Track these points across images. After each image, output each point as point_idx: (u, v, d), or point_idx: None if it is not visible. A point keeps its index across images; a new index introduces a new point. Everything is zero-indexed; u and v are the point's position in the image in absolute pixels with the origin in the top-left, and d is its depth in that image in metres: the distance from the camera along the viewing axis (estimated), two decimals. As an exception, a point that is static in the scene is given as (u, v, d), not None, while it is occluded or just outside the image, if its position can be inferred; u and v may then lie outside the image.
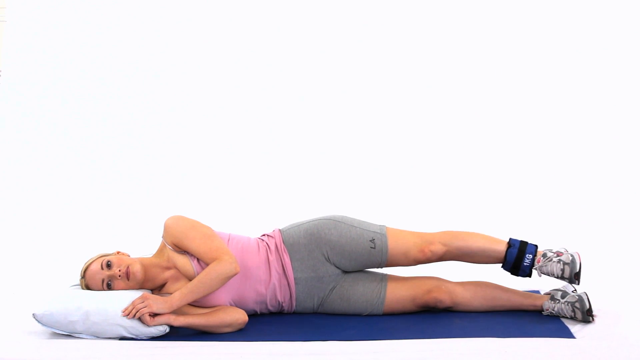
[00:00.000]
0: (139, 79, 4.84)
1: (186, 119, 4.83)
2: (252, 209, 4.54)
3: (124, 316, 2.65)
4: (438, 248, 2.92)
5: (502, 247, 2.92)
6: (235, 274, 2.77)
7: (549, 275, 2.86)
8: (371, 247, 2.94)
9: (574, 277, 2.81)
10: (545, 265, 2.86)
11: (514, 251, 2.90)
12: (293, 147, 4.78)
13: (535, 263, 2.88)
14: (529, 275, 2.92)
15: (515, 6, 4.79)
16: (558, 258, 2.84)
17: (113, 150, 4.78)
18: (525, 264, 2.89)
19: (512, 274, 2.95)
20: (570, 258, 2.83)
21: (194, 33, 4.87)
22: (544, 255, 2.88)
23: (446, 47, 4.81)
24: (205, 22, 4.87)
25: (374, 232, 2.96)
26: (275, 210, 4.44)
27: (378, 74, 4.82)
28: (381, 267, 3.00)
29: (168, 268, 2.88)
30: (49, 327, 2.70)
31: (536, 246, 2.92)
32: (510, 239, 2.95)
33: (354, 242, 2.94)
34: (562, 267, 2.82)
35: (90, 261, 2.81)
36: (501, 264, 2.95)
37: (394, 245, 2.94)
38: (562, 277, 2.83)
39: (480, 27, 4.80)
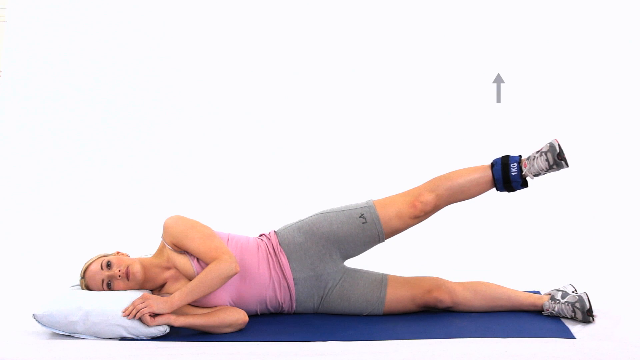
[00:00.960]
0: (139, 79, 4.84)
1: (186, 119, 4.83)
2: (252, 209, 4.55)
3: (124, 316, 2.65)
4: (427, 197, 2.91)
5: (488, 170, 2.93)
6: (235, 274, 2.77)
7: (539, 172, 2.86)
8: (363, 223, 2.93)
9: (558, 158, 2.82)
10: (532, 165, 2.87)
11: (499, 167, 2.90)
12: (293, 147, 4.78)
13: (523, 168, 2.89)
14: (525, 183, 2.91)
15: (514, 6, 4.79)
16: (539, 152, 2.86)
17: (113, 150, 4.78)
18: (513, 173, 2.89)
19: (507, 190, 2.94)
20: (549, 146, 2.83)
21: (194, 33, 4.87)
22: (527, 158, 2.90)
23: (445, 47, 4.81)
24: (205, 22, 4.87)
25: (361, 207, 2.96)
26: (274, 210, 4.44)
27: (375, 74, 4.82)
28: (383, 240, 2.99)
29: (168, 268, 2.89)
30: (49, 327, 2.70)
31: (520, 156, 2.93)
32: (492, 160, 2.95)
33: (346, 224, 2.94)
34: (546, 158, 2.83)
35: (90, 261, 2.81)
36: (495, 188, 2.95)
37: (384, 212, 2.93)
38: (549, 167, 2.83)
39: (479, 27, 4.80)
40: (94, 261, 2.81)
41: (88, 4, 4.86)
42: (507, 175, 2.89)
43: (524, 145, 4.65)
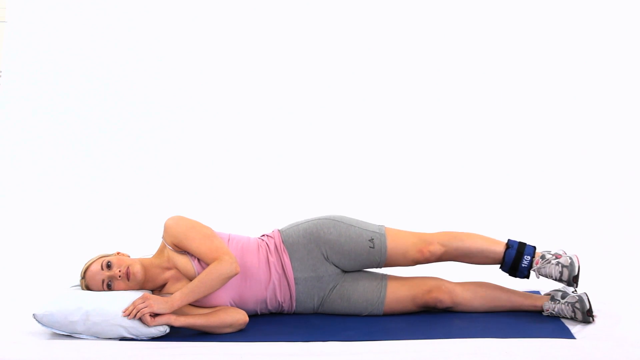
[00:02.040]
0: (139, 79, 4.84)
1: (186, 119, 4.83)
2: (252, 209, 4.55)
3: (124, 316, 2.65)
4: (436, 248, 2.93)
5: (501, 248, 2.92)
6: (236, 274, 2.77)
7: (547, 277, 2.86)
8: (370, 247, 2.94)
9: (572, 280, 2.80)
10: (544, 267, 2.85)
11: (512, 252, 2.90)
12: (292, 147, 4.78)
13: (534, 265, 2.88)
14: (527, 276, 2.92)
15: (515, 6, 4.79)
16: (557, 260, 2.84)
17: (113, 151, 4.78)
18: (523, 265, 2.89)
19: (510, 275, 2.95)
20: (569, 261, 2.82)
21: (194, 33, 4.87)
22: (543, 257, 2.88)
23: (445, 47, 4.81)
24: (207, 23, 4.87)
25: (373, 231, 2.97)
26: (275, 210, 4.44)
27: (377, 74, 4.83)
28: (379, 267, 3.01)
29: (168, 268, 2.88)
30: (49, 327, 2.70)
31: (534, 247, 2.92)
32: (508, 240, 2.95)
33: (353, 241, 2.94)
34: (560, 270, 2.82)
35: (91, 262, 2.81)
36: (499, 265, 2.95)
37: (393, 245, 2.95)
38: (560, 280, 2.82)
39: (479, 28, 4.80)
40: (94, 261, 2.81)
41: (88, 4, 4.86)
42: (516, 264, 2.89)
43: (524, 145, 4.68)
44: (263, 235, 3.06)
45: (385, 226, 3.01)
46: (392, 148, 4.75)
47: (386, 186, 4.66)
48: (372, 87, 4.82)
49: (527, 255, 2.89)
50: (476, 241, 2.94)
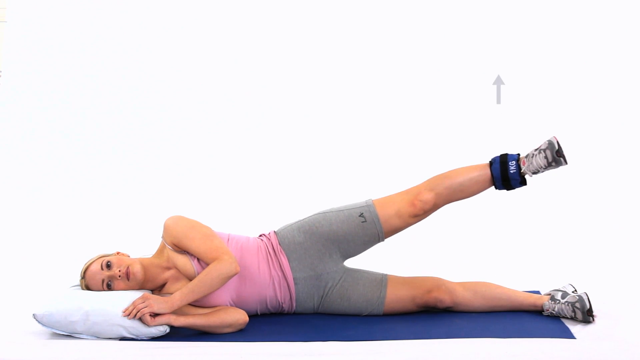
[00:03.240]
0: (139, 79, 4.84)
1: (186, 119, 4.83)
2: (251, 209, 4.54)
3: (124, 316, 2.65)
4: (426, 195, 2.92)
5: (486, 168, 2.93)
6: (236, 274, 2.77)
7: (538, 170, 2.86)
8: (362, 222, 2.94)
9: (557, 155, 2.81)
10: (531, 163, 2.87)
11: (497, 166, 2.91)
12: (292, 147, 4.78)
13: (522, 166, 2.89)
14: (523, 182, 2.92)
15: (514, 7, 4.79)
16: (538, 149, 2.86)
17: (113, 150, 4.78)
18: (511, 171, 2.89)
19: (506, 189, 2.95)
20: (548, 143, 2.83)
21: (194, 34, 4.87)
22: (526, 156, 2.90)
23: (445, 48, 4.81)
24: (206, 23, 4.87)
25: (361, 207, 2.97)
26: (274, 210, 4.44)
27: (375, 74, 4.82)
28: (383, 239, 2.99)
29: (168, 268, 2.89)
30: (49, 327, 2.70)
31: (518, 154, 2.94)
32: (491, 158, 2.95)
33: (345, 224, 2.94)
34: (544, 155, 2.83)
35: (90, 262, 2.81)
36: (493, 187, 2.95)
37: (383, 211, 2.94)
38: (549, 164, 2.83)
39: (478, 28, 4.80)
40: (94, 261, 2.81)
41: (88, 4, 4.86)
42: (505, 173, 2.90)
43: (524, 145, 4.67)
44: (261, 235, 3.06)
45: (373, 199, 3.01)
46: (391, 149, 4.75)
47: (387, 185, 4.66)
48: (370, 88, 4.82)
49: (512, 160, 2.90)
50: (461, 173, 2.94)
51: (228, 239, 2.95)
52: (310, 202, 4.44)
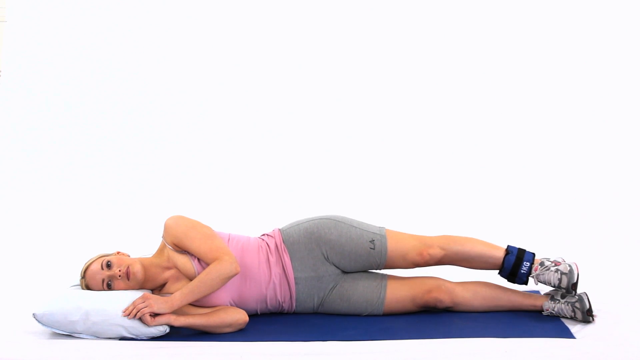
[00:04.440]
0: (139, 79, 4.84)
1: (186, 119, 4.83)
2: (252, 209, 4.55)
3: (124, 316, 2.65)
4: (436, 252, 2.93)
5: (500, 254, 2.93)
6: (236, 274, 2.77)
7: (545, 284, 2.88)
8: (371, 248, 2.94)
9: (571, 288, 2.82)
10: (543, 274, 2.87)
11: (512, 258, 2.91)
12: (293, 147, 4.78)
13: (533, 271, 2.89)
14: (526, 283, 2.94)
15: (514, 6, 4.79)
16: (556, 267, 2.85)
17: (113, 150, 4.78)
18: (522, 271, 2.90)
19: (508, 280, 2.97)
20: (568, 268, 2.83)
21: (195, 34, 4.87)
22: (542, 263, 2.89)
23: (445, 49, 4.81)
24: (207, 23, 4.87)
25: (374, 233, 2.97)
26: (275, 210, 4.44)
27: (378, 75, 4.82)
28: (379, 269, 3.01)
29: (168, 268, 2.89)
30: (49, 327, 2.70)
31: (534, 254, 2.94)
32: (508, 246, 2.96)
33: (354, 242, 2.94)
34: (559, 277, 2.83)
35: (90, 261, 2.81)
36: (498, 271, 2.96)
37: (394, 247, 2.95)
38: (559, 287, 2.84)
39: (478, 29, 4.80)
40: (94, 261, 2.81)
41: (88, 4, 4.86)
42: (516, 270, 2.91)
43: (524, 144, 4.68)
44: (263, 235, 3.06)
45: (386, 228, 3.02)
46: (393, 149, 4.75)
47: (387, 187, 4.66)
48: (374, 89, 4.82)
49: (527, 261, 2.90)
50: (476, 246, 2.95)
51: (228, 239, 2.95)
52: (311, 201, 4.46)
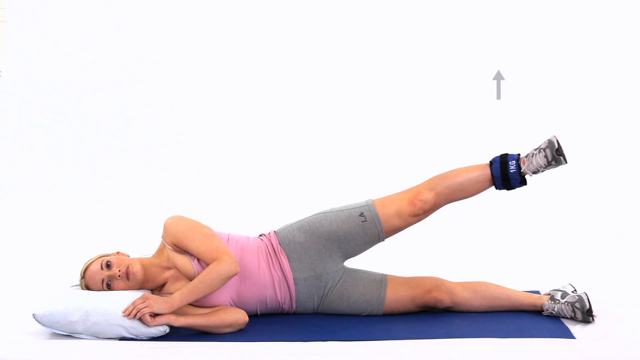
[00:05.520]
0: (139, 79, 4.84)
1: (186, 119, 4.83)
2: (251, 209, 4.55)
3: (124, 316, 2.65)
4: (426, 195, 2.91)
5: (487, 168, 2.93)
6: (236, 274, 2.77)
7: (537, 169, 2.86)
8: (362, 221, 2.94)
9: (557, 154, 2.81)
10: (531, 162, 2.87)
11: (497, 166, 2.90)
12: (292, 147, 4.78)
13: (522, 166, 2.89)
14: (523, 181, 2.92)
15: (514, 4, 4.79)
16: (538, 148, 2.86)
17: (113, 150, 4.78)
18: (511, 171, 2.89)
19: (506, 188, 2.95)
20: (547, 142, 2.83)
21: (195, 34, 4.87)
22: (526, 156, 2.90)
23: (445, 47, 4.81)
24: (207, 23, 4.87)
25: (361, 206, 2.97)
26: (274, 210, 4.44)
27: (375, 74, 4.83)
28: (383, 239, 2.99)
29: (168, 268, 2.89)
30: (49, 327, 2.70)
31: (518, 154, 2.93)
32: (491, 158, 2.95)
33: (345, 223, 2.94)
34: (544, 154, 2.83)
35: (90, 261, 2.81)
36: (494, 187, 2.95)
37: (383, 210, 2.94)
38: (548, 163, 2.83)
39: (479, 28, 4.80)
40: (94, 261, 2.81)
41: (88, 4, 4.86)
42: (505, 173, 2.90)
43: (524, 142, 4.66)
44: (261, 235, 3.06)
45: (373, 198, 3.01)
46: (391, 148, 4.75)
47: (387, 184, 4.66)
48: (370, 87, 4.82)
49: (512, 160, 2.90)
50: (461, 172, 2.94)
51: (228, 239, 2.95)
52: (310, 201, 4.45)
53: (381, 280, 2.98)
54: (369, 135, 4.78)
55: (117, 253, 2.88)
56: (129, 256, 2.89)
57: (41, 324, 2.69)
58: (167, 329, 2.72)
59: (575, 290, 2.96)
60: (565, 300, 2.85)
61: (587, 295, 2.84)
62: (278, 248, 2.96)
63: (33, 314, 2.69)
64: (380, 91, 4.82)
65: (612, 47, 4.73)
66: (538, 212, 4.47)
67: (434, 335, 2.68)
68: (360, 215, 2.94)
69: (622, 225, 4.32)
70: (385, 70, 4.83)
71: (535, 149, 2.89)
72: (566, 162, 2.84)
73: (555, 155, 2.82)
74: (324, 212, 2.99)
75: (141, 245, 3.48)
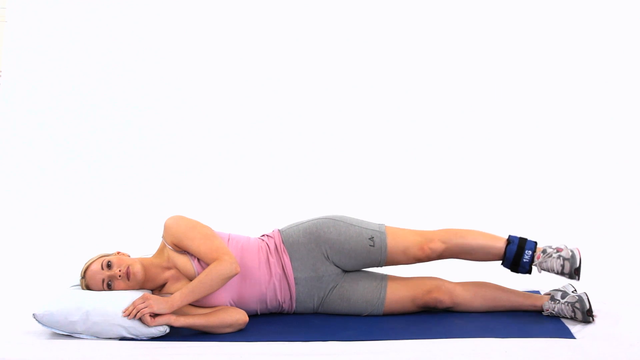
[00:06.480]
0: (140, 79, 4.84)
1: (186, 119, 4.83)
2: (252, 209, 4.54)
3: (124, 316, 2.65)
4: (437, 245, 2.92)
5: (502, 244, 2.91)
6: (236, 274, 2.78)
7: (548, 271, 2.84)
8: (370, 245, 2.94)
9: (574, 273, 2.78)
10: (545, 262, 2.84)
11: (514, 248, 2.89)
12: (293, 147, 4.78)
13: (535, 259, 2.87)
14: (529, 271, 2.90)
15: (515, 6, 4.79)
16: (558, 254, 2.82)
17: (113, 150, 4.78)
18: (524, 260, 2.88)
19: (511, 270, 2.94)
20: (570, 254, 2.81)
21: (195, 34, 4.86)
22: (544, 251, 2.87)
23: (445, 46, 4.81)
24: (207, 24, 4.86)
25: (373, 230, 2.96)
26: (275, 210, 4.44)
27: (377, 73, 4.82)
28: (380, 266, 3.00)
29: (168, 268, 2.89)
30: (49, 327, 2.70)
31: (535, 242, 2.91)
32: (509, 235, 2.94)
33: (353, 240, 2.94)
34: (562, 263, 2.81)
35: (91, 261, 2.82)
36: (501, 261, 2.95)
37: (393, 243, 2.94)
38: (562, 273, 2.81)
39: (479, 27, 4.80)
40: (94, 261, 2.81)
41: (88, 4, 4.86)
42: (518, 259, 2.88)
43: (525, 144, 4.68)
44: (263, 235, 3.06)
45: (386, 225, 3.01)
46: (392, 146, 4.75)
47: (386, 185, 4.66)
48: (372, 86, 4.81)
49: (529, 250, 2.87)
50: (477, 237, 2.93)
51: (228, 239, 2.95)
52: (312, 202, 4.46)
53: (381, 281, 2.99)
54: (372, 136, 4.77)
55: (118, 253, 2.88)
56: (129, 256, 2.89)
57: (41, 323, 2.70)
58: (167, 329, 2.72)
59: (575, 290, 2.95)
60: (565, 300, 2.85)
61: (587, 295, 2.84)
62: (281, 247, 2.96)
63: (33, 314, 2.69)
64: (383, 92, 4.81)
65: (612, 47, 4.73)
66: (538, 212, 4.47)
67: (434, 335, 2.68)
68: (370, 239, 2.94)
69: (622, 225, 4.32)
70: (385, 71, 4.82)
71: (556, 251, 2.84)
72: (578, 280, 2.81)
73: (572, 273, 2.79)
74: (334, 219, 2.98)
75: (141, 245, 3.48)
